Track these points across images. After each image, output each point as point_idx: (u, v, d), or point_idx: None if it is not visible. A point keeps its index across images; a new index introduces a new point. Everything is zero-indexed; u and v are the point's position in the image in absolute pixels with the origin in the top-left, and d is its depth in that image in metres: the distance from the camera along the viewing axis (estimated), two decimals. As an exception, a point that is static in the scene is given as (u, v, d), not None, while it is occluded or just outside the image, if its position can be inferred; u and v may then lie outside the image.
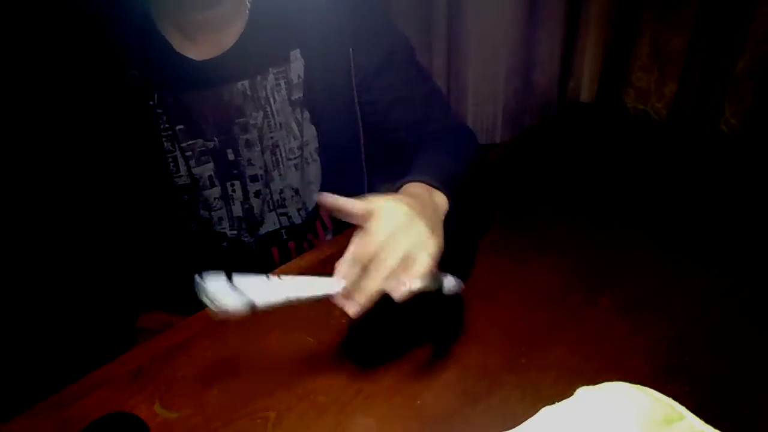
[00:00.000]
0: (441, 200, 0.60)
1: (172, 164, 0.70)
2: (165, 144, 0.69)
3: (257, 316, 0.67)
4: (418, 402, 0.56)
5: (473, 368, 0.60)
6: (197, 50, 0.67)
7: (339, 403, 0.56)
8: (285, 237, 0.82)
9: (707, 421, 0.47)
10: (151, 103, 0.67)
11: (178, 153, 0.70)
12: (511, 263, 0.74)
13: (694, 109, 1.09)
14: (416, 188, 0.59)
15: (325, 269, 0.74)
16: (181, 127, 0.69)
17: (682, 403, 0.49)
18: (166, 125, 0.68)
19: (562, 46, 1.19)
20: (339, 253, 0.77)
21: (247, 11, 0.68)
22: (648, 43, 1.08)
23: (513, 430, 0.50)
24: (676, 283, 0.70)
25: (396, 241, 0.49)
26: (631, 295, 0.68)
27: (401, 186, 0.60)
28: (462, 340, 0.63)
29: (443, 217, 0.58)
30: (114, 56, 0.64)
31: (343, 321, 0.66)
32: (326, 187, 0.78)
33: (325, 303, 0.68)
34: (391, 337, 0.64)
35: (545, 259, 0.75)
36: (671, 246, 0.77)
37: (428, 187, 0.60)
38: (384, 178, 0.75)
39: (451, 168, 0.65)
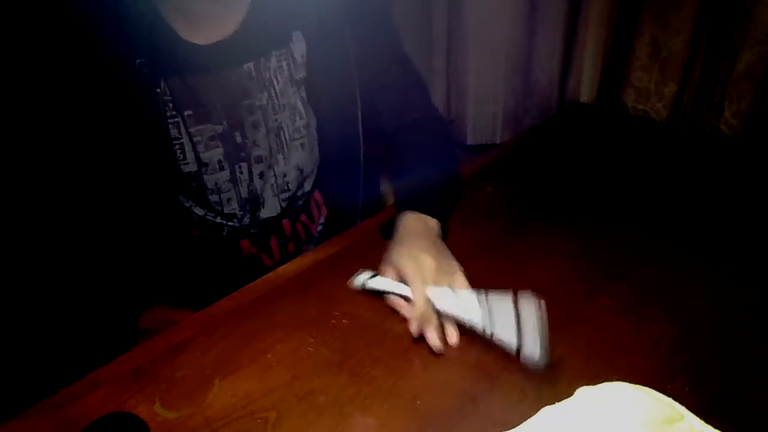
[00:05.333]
0: (434, 223, 0.73)
1: (179, 151, 0.70)
2: (172, 131, 0.69)
3: (257, 317, 0.67)
4: (418, 402, 0.56)
5: (473, 368, 0.60)
6: (202, 35, 0.67)
7: (339, 403, 0.56)
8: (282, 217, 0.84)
9: (707, 421, 0.47)
10: (158, 90, 0.66)
11: (185, 139, 0.70)
12: (511, 263, 0.74)
13: (694, 109, 1.09)
14: (412, 221, 0.72)
15: (327, 269, 0.74)
16: (189, 112, 0.69)
17: (682, 403, 0.49)
18: (173, 112, 0.69)
19: (562, 46, 1.19)
20: (338, 254, 0.77)
21: None
22: (648, 43, 1.08)
23: (513, 430, 0.50)
24: (677, 283, 0.70)
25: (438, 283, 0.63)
26: (631, 295, 0.68)
27: (399, 213, 0.73)
28: (462, 340, 0.63)
29: (439, 235, 0.72)
30: (120, 45, 0.64)
31: (344, 321, 0.66)
32: (323, 165, 0.82)
33: (325, 303, 0.69)
34: (391, 337, 0.64)
35: (545, 259, 0.75)
36: (671, 246, 0.77)
37: (422, 216, 0.72)
38: (379, 159, 0.85)
39: (438, 184, 0.78)
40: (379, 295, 0.67)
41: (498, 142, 1.31)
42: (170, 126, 0.69)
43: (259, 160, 0.77)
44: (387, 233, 0.75)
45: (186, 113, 0.69)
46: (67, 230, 0.74)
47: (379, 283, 0.67)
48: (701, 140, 1.06)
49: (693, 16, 1.01)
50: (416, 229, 0.71)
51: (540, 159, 1.02)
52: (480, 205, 0.87)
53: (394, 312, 0.67)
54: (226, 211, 0.77)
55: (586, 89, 1.22)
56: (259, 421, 0.55)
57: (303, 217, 0.86)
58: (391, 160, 0.86)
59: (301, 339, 0.64)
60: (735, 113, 1.02)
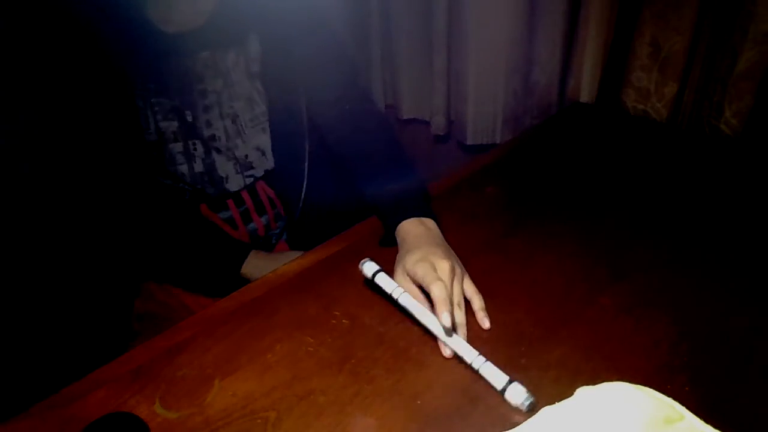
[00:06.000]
0: (431, 224, 0.75)
1: (143, 120, 0.79)
2: (138, 101, 0.79)
3: (257, 317, 0.67)
4: (418, 402, 0.56)
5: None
6: (171, 26, 0.78)
7: (339, 403, 0.56)
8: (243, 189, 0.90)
9: (707, 421, 0.47)
10: (129, 65, 0.77)
11: (148, 111, 0.80)
12: (511, 263, 0.74)
13: (694, 109, 1.09)
14: (413, 228, 0.73)
15: (327, 269, 0.75)
16: (151, 85, 0.79)
17: (682, 403, 0.49)
18: (140, 86, 0.79)
19: (562, 46, 1.19)
20: (338, 254, 0.77)
21: None
22: (648, 43, 1.07)
23: (513, 430, 0.50)
24: (677, 283, 0.70)
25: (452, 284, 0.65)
26: (631, 295, 0.68)
27: (396, 225, 0.75)
28: (462, 340, 0.63)
29: (440, 235, 0.74)
30: (102, 27, 0.74)
31: (344, 321, 0.66)
32: (276, 150, 0.89)
33: (325, 303, 0.69)
34: (391, 337, 0.64)
35: (545, 259, 0.75)
36: (671, 246, 0.77)
37: (419, 219, 0.74)
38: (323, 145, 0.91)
39: (415, 185, 0.81)
40: (383, 294, 0.67)
41: (498, 142, 1.31)
42: (137, 97, 0.79)
43: (213, 138, 0.84)
44: (386, 243, 0.77)
45: (148, 86, 0.79)
46: (46, 213, 0.81)
47: (385, 282, 0.66)
48: (701, 140, 1.06)
49: (693, 16, 1.01)
50: (422, 235, 0.72)
51: (540, 159, 1.02)
52: (480, 205, 0.87)
53: (394, 312, 0.67)
54: (184, 182, 0.85)
55: (586, 89, 1.22)
56: (259, 421, 0.55)
57: (263, 185, 0.90)
58: (353, 168, 0.88)
59: (301, 339, 0.64)
60: (735, 113, 1.02)
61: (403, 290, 0.64)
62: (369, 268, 0.67)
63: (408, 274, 0.67)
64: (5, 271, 0.82)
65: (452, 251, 0.71)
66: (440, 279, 0.62)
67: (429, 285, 0.62)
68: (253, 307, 0.69)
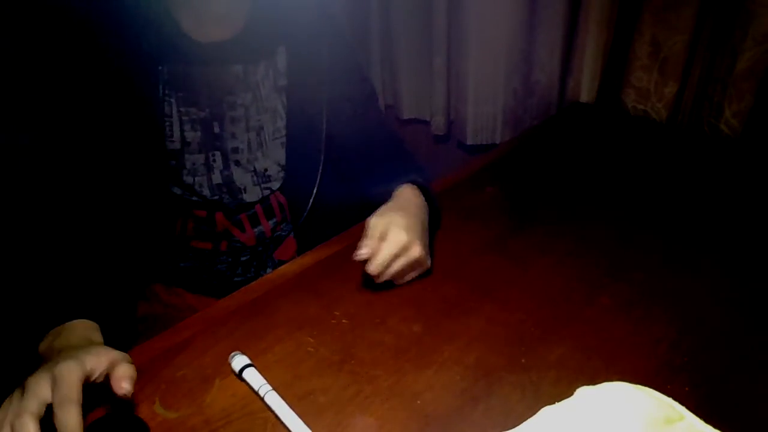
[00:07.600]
0: (423, 203, 0.78)
1: (168, 128, 0.79)
2: (165, 108, 0.78)
3: (257, 317, 0.67)
4: (418, 402, 0.56)
5: (473, 368, 0.60)
6: (203, 35, 0.78)
7: (339, 403, 0.56)
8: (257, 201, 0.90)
9: (707, 421, 0.47)
10: (159, 68, 0.77)
11: (175, 118, 0.79)
12: (511, 263, 0.74)
13: (694, 109, 1.09)
14: (407, 190, 0.79)
15: (327, 269, 0.75)
16: (181, 94, 0.79)
17: (682, 403, 0.49)
18: (169, 92, 0.78)
19: (562, 46, 1.19)
20: (338, 254, 0.77)
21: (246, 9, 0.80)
22: (648, 43, 1.08)
23: (513, 430, 0.50)
24: (677, 283, 0.70)
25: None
26: (631, 295, 0.68)
27: (396, 188, 0.80)
28: (462, 340, 0.63)
29: (427, 214, 0.77)
30: (130, 33, 0.74)
31: (344, 321, 0.66)
32: (289, 164, 0.89)
33: (325, 303, 0.69)
34: (391, 337, 0.64)
35: (545, 259, 0.75)
36: (671, 246, 0.77)
37: (417, 190, 0.79)
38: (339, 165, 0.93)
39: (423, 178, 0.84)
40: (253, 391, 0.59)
41: (498, 142, 1.31)
42: (165, 104, 0.78)
43: (235, 151, 0.84)
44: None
45: (179, 94, 0.78)
46: (60, 215, 0.78)
47: (253, 378, 0.58)
48: (701, 140, 1.06)
49: (693, 16, 1.01)
50: (410, 200, 0.76)
51: (540, 159, 1.02)
52: (480, 205, 0.87)
53: (394, 312, 0.67)
54: (198, 193, 0.84)
55: (586, 89, 1.22)
56: (259, 421, 0.55)
57: (277, 194, 0.90)
58: (366, 175, 0.92)
59: (301, 339, 0.64)
60: (735, 113, 1.02)
61: (270, 388, 0.57)
62: (238, 362, 0.60)
63: (368, 226, 0.70)
64: (5, 270, 0.82)
65: (421, 232, 0.73)
66: (375, 243, 0.67)
67: (363, 242, 0.67)
68: (253, 307, 0.69)
